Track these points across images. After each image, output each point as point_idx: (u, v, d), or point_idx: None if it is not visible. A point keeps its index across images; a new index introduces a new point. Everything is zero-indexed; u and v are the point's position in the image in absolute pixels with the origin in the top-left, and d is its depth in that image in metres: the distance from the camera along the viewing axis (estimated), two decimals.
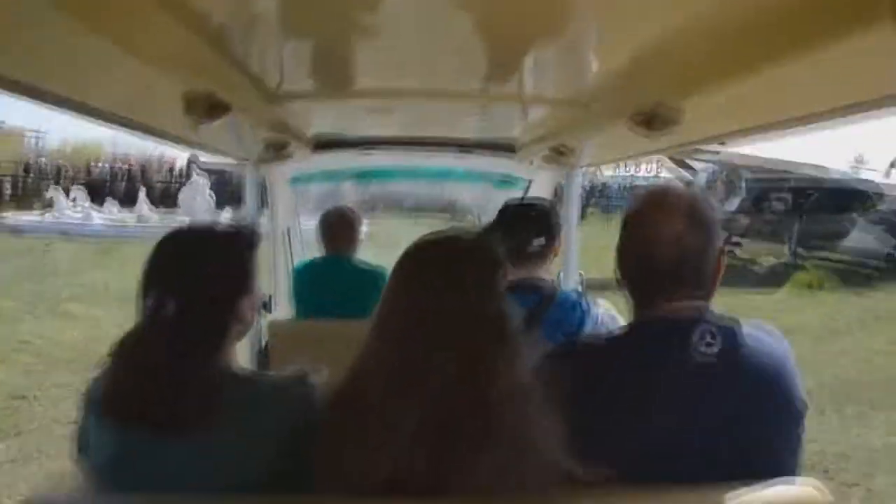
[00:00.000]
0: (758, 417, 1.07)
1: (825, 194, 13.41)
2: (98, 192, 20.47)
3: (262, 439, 1.06)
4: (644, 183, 21.71)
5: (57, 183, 20.71)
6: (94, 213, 16.77)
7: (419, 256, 1.08)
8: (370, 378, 1.00)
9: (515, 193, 3.17)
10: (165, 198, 21.03)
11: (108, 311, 7.40)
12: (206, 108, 1.22)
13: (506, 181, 3.28)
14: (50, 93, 1.03)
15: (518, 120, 2.16)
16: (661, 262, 1.11)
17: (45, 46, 0.86)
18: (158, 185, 24.48)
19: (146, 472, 1.05)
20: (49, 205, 17.33)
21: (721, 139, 1.57)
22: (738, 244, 14.61)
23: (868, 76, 0.88)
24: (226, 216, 16.03)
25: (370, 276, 2.51)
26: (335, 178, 3.39)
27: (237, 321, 1.14)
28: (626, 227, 1.19)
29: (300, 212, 3.44)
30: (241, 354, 1.22)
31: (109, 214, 17.01)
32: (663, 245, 1.10)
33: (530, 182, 3.11)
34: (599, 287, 2.77)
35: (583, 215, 3.27)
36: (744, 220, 14.38)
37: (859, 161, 17.65)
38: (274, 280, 3.03)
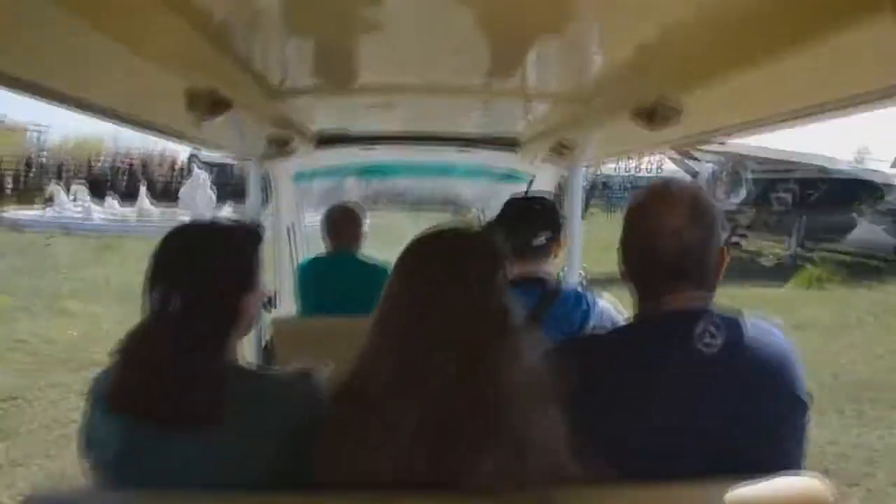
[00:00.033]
0: (762, 411, 1.07)
1: (831, 187, 13.24)
2: (99, 187, 20.46)
3: (266, 436, 1.06)
4: (646, 179, 21.68)
5: (59, 178, 20.70)
6: (95, 209, 16.72)
7: (421, 251, 1.07)
8: (371, 375, 0.99)
9: (518, 189, 3.15)
10: (167, 193, 21.03)
11: (108, 308, 7.39)
12: (209, 104, 1.22)
13: (509, 177, 3.28)
14: (52, 90, 1.03)
15: (520, 116, 2.15)
16: (664, 255, 1.11)
17: (48, 44, 0.86)
18: (160, 180, 24.49)
19: (151, 467, 1.05)
20: (50, 200, 17.29)
21: (723, 133, 1.57)
22: (743, 236, 14.53)
23: (869, 68, 0.88)
24: (227, 211, 16.03)
25: (375, 272, 2.50)
26: (338, 174, 3.38)
27: (242, 317, 1.14)
28: (629, 220, 1.18)
29: (303, 207, 3.43)
30: (245, 352, 1.22)
31: (110, 210, 16.97)
32: (665, 238, 1.10)
33: (533, 178, 3.11)
34: (602, 283, 2.70)
35: (585, 212, 3.25)
36: (749, 214, 14.29)
37: (863, 153, 17.55)
38: (277, 277, 3.02)
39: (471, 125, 2.45)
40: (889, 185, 13.06)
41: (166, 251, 1.13)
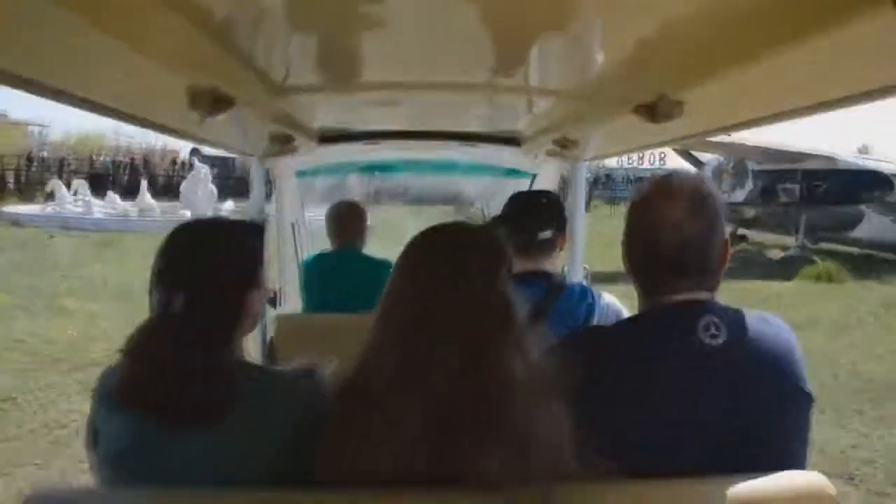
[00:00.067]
0: (764, 404, 1.07)
1: (836, 182, 13.08)
2: (100, 183, 20.47)
3: (270, 432, 1.07)
4: (647, 174, 21.60)
5: (60, 174, 20.69)
6: (96, 204, 16.67)
7: (425, 246, 1.07)
8: (374, 371, 0.99)
9: (521, 185, 3.16)
10: (168, 189, 21.02)
11: (106, 306, 7.27)
12: (211, 102, 1.22)
13: (512, 173, 3.28)
14: (54, 88, 1.03)
15: (522, 112, 2.14)
16: (665, 248, 1.11)
17: (50, 42, 0.86)
18: (161, 175, 24.49)
19: (156, 463, 1.05)
20: (50, 196, 17.25)
21: (725, 128, 1.56)
22: (743, 237, 14.40)
23: (870, 64, 0.88)
24: (229, 207, 15.97)
25: (379, 268, 2.47)
26: (341, 171, 3.38)
27: (247, 314, 1.15)
28: (631, 214, 1.19)
29: (305, 203, 3.43)
30: (249, 348, 1.23)
31: (111, 205, 16.91)
32: (666, 231, 1.11)
33: (536, 174, 3.11)
34: (605, 280, 2.72)
35: (587, 206, 3.27)
36: (752, 211, 14.17)
37: (864, 151, 17.38)
38: (281, 274, 3.01)
39: (473, 122, 2.45)
40: (893, 182, 12.89)
41: (171, 249, 1.13)
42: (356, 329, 1.04)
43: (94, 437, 1.12)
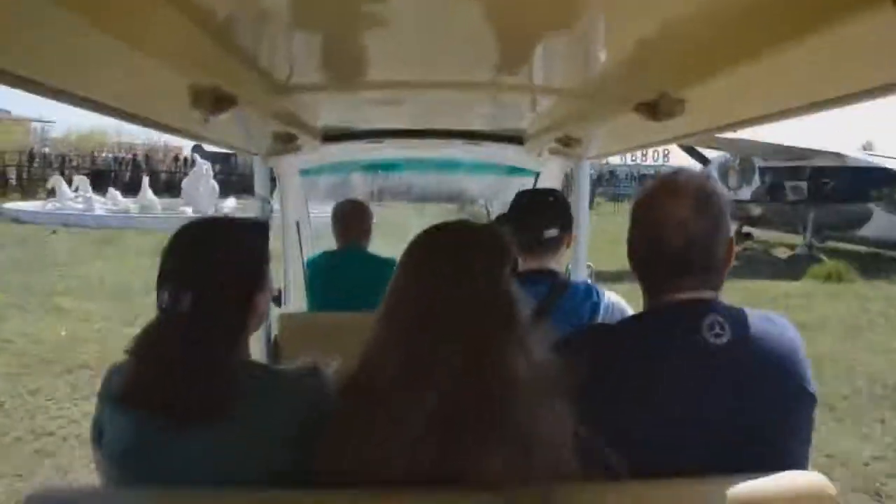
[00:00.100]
0: (768, 406, 1.06)
1: (843, 180, 12.90)
2: (102, 179, 20.44)
3: (274, 432, 1.07)
4: (650, 171, 21.53)
5: (62, 171, 20.67)
6: (97, 201, 16.61)
7: (428, 244, 1.07)
8: (378, 369, 0.99)
9: (525, 183, 3.16)
10: (170, 186, 20.97)
11: (102, 305, 7.17)
12: (213, 101, 1.23)
13: (515, 171, 3.28)
14: (56, 88, 1.04)
15: (525, 110, 2.15)
16: (669, 247, 1.10)
17: (52, 43, 0.86)
18: (163, 173, 24.45)
19: (161, 462, 1.05)
20: (52, 193, 17.20)
21: (726, 126, 1.57)
22: (749, 235, 14.26)
23: (871, 61, 0.88)
24: (231, 203, 15.90)
25: (384, 266, 2.47)
26: (344, 169, 3.39)
27: (253, 314, 1.16)
28: (636, 212, 1.18)
29: (309, 201, 3.43)
30: (253, 347, 1.23)
31: (112, 203, 16.84)
32: (671, 229, 1.10)
33: (539, 172, 3.11)
34: (611, 279, 2.67)
35: (590, 203, 3.28)
36: (758, 209, 14.00)
37: (867, 148, 17.23)
38: (285, 273, 3.00)
39: (476, 120, 2.45)
40: None
41: (178, 249, 1.14)
42: (360, 327, 1.04)
43: (100, 435, 1.13)
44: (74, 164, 23.97)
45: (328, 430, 1.00)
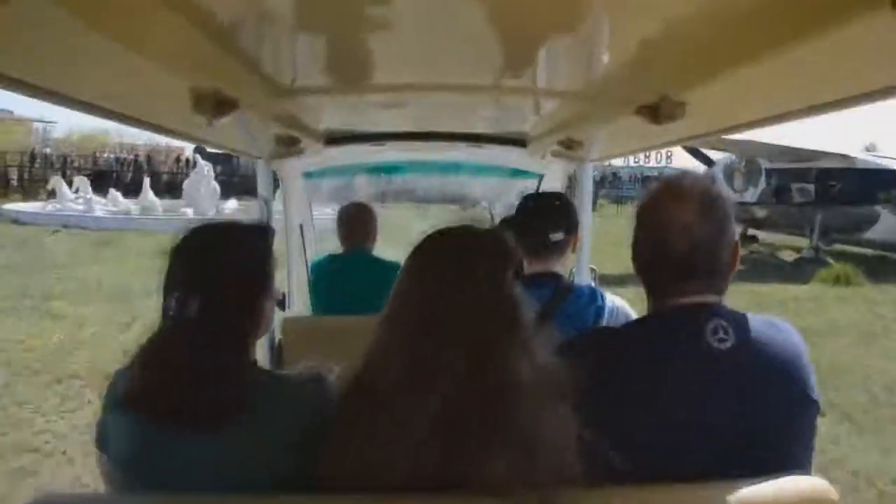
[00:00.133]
0: (772, 411, 1.06)
1: (850, 182, 12.77)
2: (103, 180, 20.38)
3: (278, 437, 1.07)
4: (654, 172, 21.46)
5: (64, 173, 20.64)
6: (97, 203, 16.53)
7: (431, 250, 1.07)
8: (381, 372, 0.99)
9: (528, 185, 3.17)
10: (172, 187, 20.92)
11: (98, 309, 7.04)
12: (215, 105, 1.23)
13: (518, 173, 3.27)
14: (58, 93, 1.04)
15: (527, 113, 2.16)
16: (673, 250, 1.11)
17: (53, 47, 0.87)
18: (165, 173, 24.40)
19: (168, 468, 1.05)
20: (52, 194, 17.15)
21: (727, 129, 1.59)
22: (754, 238, 14.11)
23: (872, 64, 0.88)
24: (233, 205, 15.83)
25: (389, 270, 2.40)
26: (347, 172, 3.39)
27: (260, 319, 1.16)
28: (640, 215, 1.18)
29: (312, 203, 3.43)
30: (256, 352, 1.23)
31: (113, 204, 16.77)
32: (675, 233, 1.10)
33: (542, 175, 3.11)
34: (614, 283, 2.64)
35: (594, 205, 3.29)
36: (765, 211, 13.85)
37: (871, 149, 17.06)
38: (288, 276, 2.99)
39: (479, 123, 2.46)
40: None
41: (183, 254, 1.13)
42: (364, 331, 1.04)
43: (104, 440, 1.12)
44: (76, 164, 23.94)
45: (331, 435, 1.00)
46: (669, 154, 20.74)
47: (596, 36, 1.18)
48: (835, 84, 1.02)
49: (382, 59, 1.40)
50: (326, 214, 3.78)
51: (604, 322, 1.63)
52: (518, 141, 2.60)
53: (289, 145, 2.27)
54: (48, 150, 24.85)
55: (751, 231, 14.07)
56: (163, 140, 25.58)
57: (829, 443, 4.02)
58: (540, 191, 2.96)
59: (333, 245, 2.78)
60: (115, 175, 23.50)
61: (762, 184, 14.00)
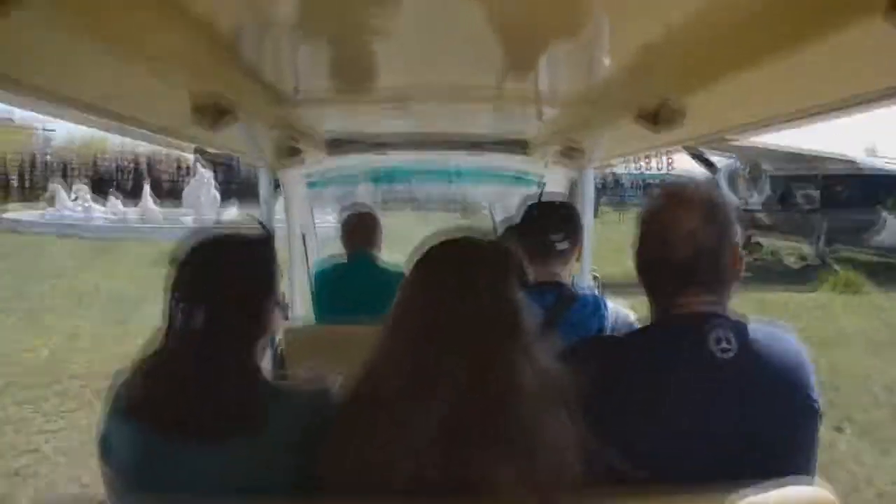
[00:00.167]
0: (773, 417, 1.07)
1: (855, 186, 12.63)
2: (103, 186, 20.35)
3: (282, 447, 1.07)
4: (654, 179, 21.45)
5: (64, 178, 20.62)
6: (96, 209, 16.49)
7: (434, 260, 1.07)
8: (382, 379, 0.99)
9: (529, 190, 3.16)
10: (172, 193, 20.87)
11: (90, 320, 6.87)
12: (217, 112, 1.24)
13: (520, 178, 3.29)
14: (60, 100, 1.05)
15: (529, 118, 2.17)
16: (678, 257, 1.11)
17: (56, 55, 0.88)
18: (165, 178, 24.38)
19: (171, 477, 1.06)
20: (51, 200, 17.11)
21: (726, 133, 1.62)
22: (757, 244, 13.97)
23: (869, 68, 0.89)
24: (233, 210, 15.81)
25: (392, 276, 2.45)
26: (350, 178, 3.41)
27: (266, 328, 1.16)
28: (643, 222, 1.19)
29: (314, 210, 3.43)
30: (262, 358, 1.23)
31: (112, 210, 16.73)
32: (679, 240, 1.11)
33: (544, 180, 3.11)
34: (615, 289, 2.53)
35: (595, 211, 3.28)
36: (768, 216, 13.72)
37: (871, 152, 16.92)
38: (290, 282, 2.98)
39: (481, 128, 2.47)
40: None
41: (189, 264, 1.13)
42: (365, 339, 1.04)
43: (107, 448, 1.12)
44: (76, 170, 23.93)
45: (333, 441, 1.01)
46: (671, 160, 20.66)
47: (596, 41, 1.19)
48: (832, 88, 1.03)
49: (384, 65, 1.41)
50: (328, 222, 3.78)
51: (607, 329, 1.63)
52: (520, 146, 2.60)
53: (291, 152, 2.29)
54: (48, 156, 24.84)
55: (755, 237, 13.95)
56: (163, 147, 25.59)
57: (851, 461, 3.88)
58: (543, 197, 2.89)
59: (335, 252, 2.76)
60: (115, 181, 23.49)
61: (766, 189, 13.87)
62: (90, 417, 3.94)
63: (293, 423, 1.09)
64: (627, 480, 0.96)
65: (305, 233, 3.20)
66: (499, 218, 3.30)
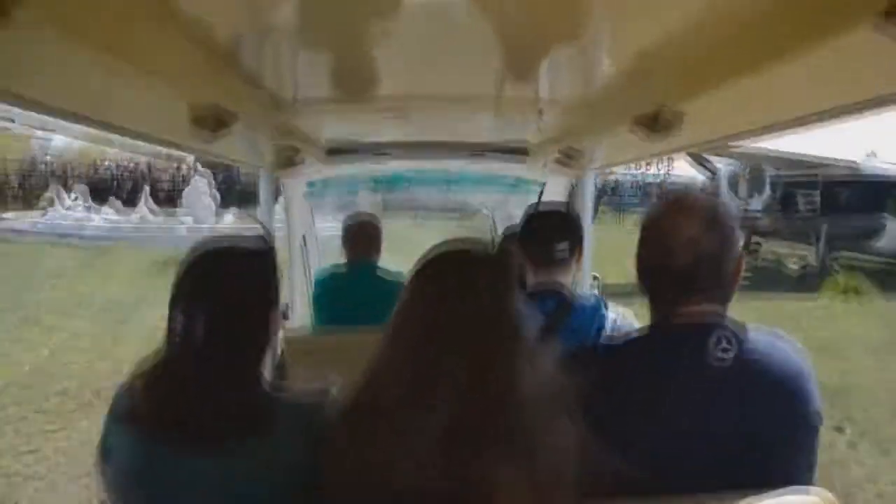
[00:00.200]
0: (773, 424, 1.07)
1: (856, 190, 12.60)
2: (102, 191, 20.29)
3: (283, 456, 1.07)
4: (653, 181, 21.44)
5: (64, 182, 20.57)
6: (95, 214, 16.43)
7: (434, 264, 1.08)
8: (383, 385, 0.99)
9: (531, 194, 3.19)
10: (171, 197, 20.79)
11: (75, 332, 6.69)
12: (217, 120, 1.25)
13: (520, 183, 3.31)
14: (60, 108, 1.06)
15: (528, 124, 2.20)
16: (678, 266, 1.11)
17: (55, 64, 0.89)
18: (165, 182, 24.33)
19: (171, 486, 1.06)
20: (50, 204, 17.05)
21: (725, 138, 1.64)
22: (757, 245, 13.93)
23: (865, 74, 0.90)
24: (230, 217, 15.75)
25: (393, 282, 2.46)
26: (349, 183, 3.44)
27: (267, 336, 1.16)
28: (645, 228, 1.19)
29: (314, 213, 3.43)
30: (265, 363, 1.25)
31: (110, 215, 16.67)
32: (680, 248, 1.11)
33: (544, 185, 3.13)
34: (615, 294, 2.49)
35: (595, 214, 3.31)
36: (769, 220, 13.68)
37: (871, 157, 16.88)
38: (290, 288, 3.01)
39: (481, 134, 2.48)
40: None
41: (189, 271, 1.13)
42: (365, 344, 1.03)
43: (107, 455, 1.12)
44: (76, 174, 23.89)
45: (333, 446, 1.01)
46: (670, 162, 20.64)
47: (595, 48, 1.21)
48: (829, 94, 1.04)
49: (383, 71, 1.41)
50: (328, 227, 3.77)
51: (607, 332, 1.64)
52: (519, 151, 2.61)
53: (290, 157, 2.30)
54: (48, 159, 24.81)
55: (755, 240, 13.90)
56: (163, 150, 25.57)
57: (855, 464, 3.82)
58: (542, 200, 2.97)
59: (334, 256, 2.77)
60: (115, 184, 23.44)
61: (767, 192, 13.83)
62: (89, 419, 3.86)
63: (294, 430, 1.09)
64: (627, 484, 0.95)
65: (306, 236, 3.20)
66: (499, 224, 3.33)
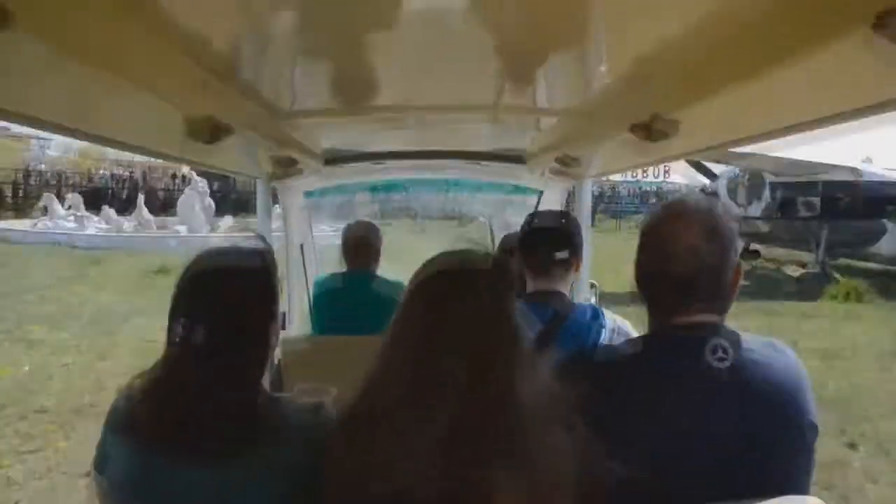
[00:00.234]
0: (768, 434, 1.07)
1: (856, 195, 12.55)
2: (98, 197, 20.21)
3: (282, 466, 1.07)
4: (649, 188, 21.48)
5: (59, 189, 20.49)
6: (89, 222, 16.32)
7: (433, 270, 1.08)
8: (383, 389, 1.00)
9: (529, 202, 3.19)
10: (167, 204, 20.71)
11: (61, 346, 6.43)
12: (212, 130, 1.24)
13: (518, 190, 3.29)
14: (58, 123, 1.06)
15: (525, 132, 2.22)
16: (677, 274, 1.11)
17: (52, 78, 0.89)
18: (160, 191, 24.27)
19: (167, 496, 1.06)
20: (45, 211, 16.95)
21: (720, 145, 1.63)
22: (756, 252, 13.86)
23: (859, 81, 0.92)
24: (228, 223, 15.66)
25: (392, 290, 2.44)
26: (347, 191, 3.43)
27: (267, 345, 1.16)
28: (645, 236, 1.19)
29: (312, 220, 3.43)
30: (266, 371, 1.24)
31: (106, 222, 16.58)
32: (680, 255, 1.11)
33: (541, 192, 3.14)
34: (614, 300, 2.53)
35: (592, 220, 3.29)
36: (769, 225, 13.61)
37: (867, 162, 16.88)
38: (288, 296, 3.01)
39: (478, 141, 2.49)
40: None
41: (188, 281, 1.13)
42: (364, 351, 1.03)
43: (103, 461, 1.12)
44: (71, 181, 23.82)
45: (332, 452, 1.01)
46: (667, 168, 20.62)
47: (591, 56, 1.22)
48: (824, 101, 1.05)
49: (380, 79, 1.42)
50: (325, 233, 3.77)
51: (604, 340, 1.65)
52: (517, 158, 2.63)
53: (288, 166, 2.30)
54: (43, 167, 24.74)
55: (754, 245, 13.83)
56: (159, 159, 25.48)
57: (866, 479, 3.71)
58: (542, 208, 2.96)
59: (332, 265, 2.77)
60: (110, 192, 23.37)
61: (766, 197, 13.77)
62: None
63: (292, 440, 1.09)
64: (624, 491, 0.94)
65: (304, 244, 3.20)
66: (497, 231, 3.29)
